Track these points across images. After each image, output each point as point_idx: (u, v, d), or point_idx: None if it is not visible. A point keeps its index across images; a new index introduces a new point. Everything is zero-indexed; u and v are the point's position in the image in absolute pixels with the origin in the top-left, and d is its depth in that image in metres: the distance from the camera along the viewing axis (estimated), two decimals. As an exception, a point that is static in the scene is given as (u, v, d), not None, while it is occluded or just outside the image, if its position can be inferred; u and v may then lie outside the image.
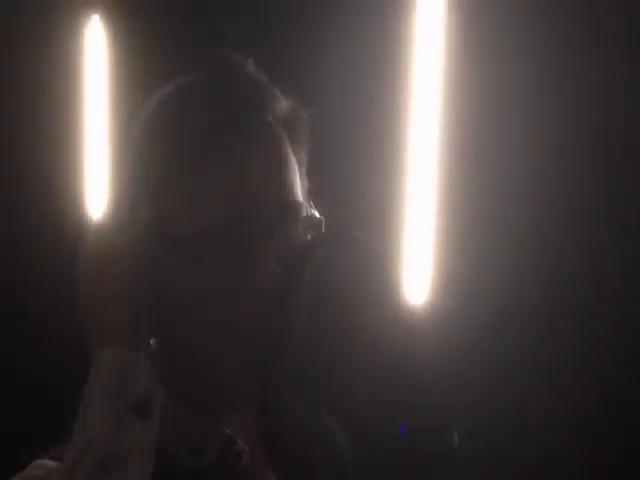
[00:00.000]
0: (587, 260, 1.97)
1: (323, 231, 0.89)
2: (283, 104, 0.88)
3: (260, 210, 0.84)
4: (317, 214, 0.91)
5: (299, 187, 0.88)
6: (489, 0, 1.96)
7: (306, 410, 0.85)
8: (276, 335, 0.82)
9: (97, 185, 2.43)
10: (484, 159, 1.98)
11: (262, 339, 0.82)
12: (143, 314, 0.84)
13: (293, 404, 0.84)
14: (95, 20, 2.35)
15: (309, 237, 0.87)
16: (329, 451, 0.84)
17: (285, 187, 0.86)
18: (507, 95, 1.94)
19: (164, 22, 2.31)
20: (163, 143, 0.86)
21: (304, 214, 0.88)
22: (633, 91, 1.94)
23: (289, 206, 0.86)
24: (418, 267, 2.08)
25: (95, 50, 2.43)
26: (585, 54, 1.92)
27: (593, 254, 1.98)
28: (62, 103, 2.48)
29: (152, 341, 0.93)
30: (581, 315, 1.99)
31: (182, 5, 2.29)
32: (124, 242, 0.84)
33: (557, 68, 1.93)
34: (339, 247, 0.86)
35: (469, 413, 0.82)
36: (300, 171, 0.90)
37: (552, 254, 1.96)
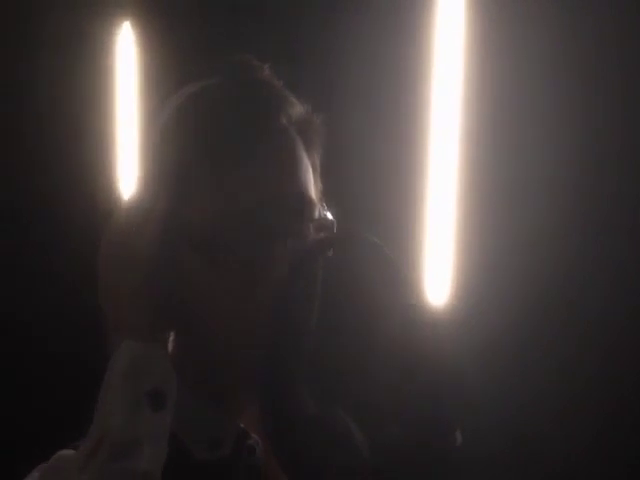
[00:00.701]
0: (606, 262, 1.97)
1: (335, 232, 0.91)
2: (298, 109, 0.92)
3: (274, 210, 0.87)
4: (330, 215, 0.94)
5: (312, 189, 0.91)
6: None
7: (321, 409, 0.87)
8: (289, 333, 0.85)
9: (124, 184, 2.49)
10: (504, 159, 1.97)
11: (275, 337, 0.84)
12: (161, 306, 0.87)
13: (303, 404, 0.87)
14: (125, 26, 2.40)
15: (321, 237, 0.90)
16: (346, 451, 0.85)
17: (299, 188, 0.89)
18: (527, 95, 1.94)
19: (192, 27, 2.35)
20: (182, 143, 0.89)
21: (317, 215, 0.91)
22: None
23: (303, 207, 0.89)
24: (438, 268, 2.09)
25: (125, 55, 2.48)
26: (607, 53, 1.91)
27: (612, 256, 1.97)
28: (93, 105, 2.52)
29: (172, 334, 0.97)
30: (601, 315, 1.99)
31: (208, 10, 2.32)
32: (144, 237, 0.87)
33: (578, 66, 1.92)
34: (350, 248, 0.89)
35: (479, 413, 0.83)
36: (314, 174, 0.93)
37: (571, 256, 1.96)
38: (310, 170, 0.92)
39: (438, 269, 2.09)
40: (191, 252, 0.88)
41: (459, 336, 0.83)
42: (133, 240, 0.87)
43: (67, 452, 0.88)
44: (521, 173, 1.98)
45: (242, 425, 0.93)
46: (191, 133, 0.89)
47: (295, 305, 0.85)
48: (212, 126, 0.87)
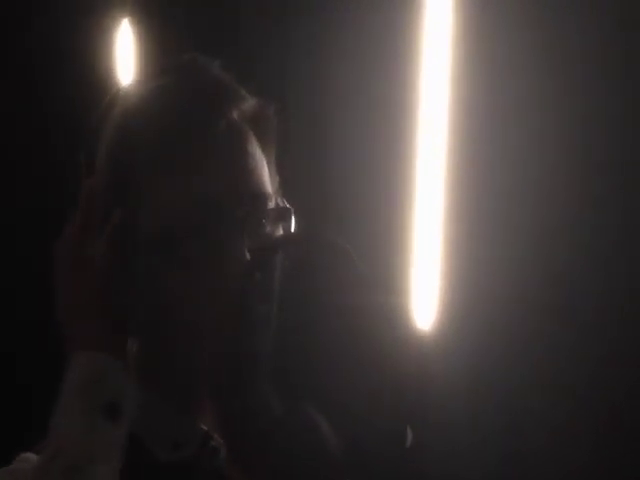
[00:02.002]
0: (599, 269, 1.97)
1: (293, 220, 0.91)
2: (249, 102, 0.91)
3: (228, 206, 0.86)
4: (287, 205, 0.94)
5: (267, 181, 0.91)
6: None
7: (288, 408, 0.87)
8: (249, 332, 0.84)
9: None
10: (493, 162, 1.97)
11: (236, 336, 0.84)
12: (115, 316, 0.86)
13: (265, 404, 0.87)
14: (124, 24, 2.40)
15: (281, 231, 0.90)
16: (314, 450, 0.85)
17: (252, 182, 0.88)
18: (516, 97, 1.93)
19: (191, 26, 2.35)
20: (131, 146, 0.88)
21: (272, 206, 0.90)
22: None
23: (257, 200, 0.88)
24: (425, 278, 2.08)
25: (124, 54, 2.48)
26: (595, 53, 1.91)
27: (606, 263, 1.97)
28: (92, 104, 2.51)
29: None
30: (594, 326, 1.99)
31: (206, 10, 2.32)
32: (97, 244, 0.86)
33: (568, 63, 1.92)
34: (314, 248, 0.88)
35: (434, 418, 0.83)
36: (269, 166, 0.93)
37: (563, 266, 1.96)
38: (264, 163, 0.92)
39: (425, 278, 2.08)
40: (146, 255, 0.87)
41: (428, 340, 0.82)
42: (86, 248, 0.87)
43: (28, 456, 0.88)
44: (511, 177, 1.97)
45: (205, 427, 0.92)
46: (140, 136, 0.88)
47: (254, 302, 0.84)
48: (161, 127, 0.87)
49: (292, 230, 0.91)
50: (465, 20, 1.96)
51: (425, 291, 2.08)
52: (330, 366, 0.83)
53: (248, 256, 0.85)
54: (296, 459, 0.86)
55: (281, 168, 0.95)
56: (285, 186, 0.97)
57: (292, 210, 0.92)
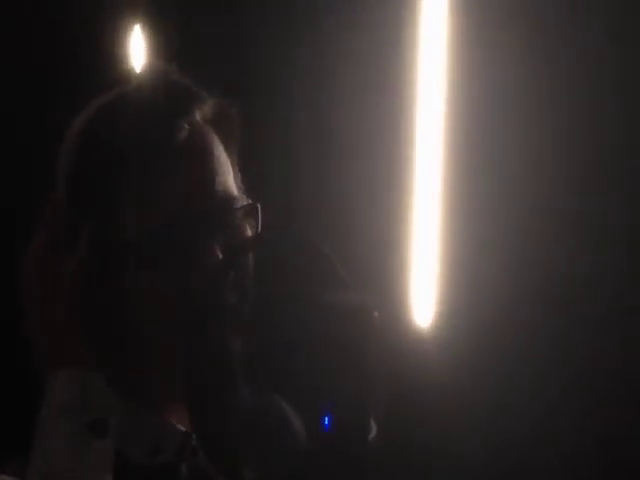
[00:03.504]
0: (599, 273, 1.96)
1: (259, 216, 0.92)
2: (209, 104, 0.92)
3: (197, 207, 0.86)
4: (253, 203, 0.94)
5: (232, 181, 0.91)
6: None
7: (257, 398, 0.89)
8: (221, 331, 0.84)
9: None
10: (490, 164, 1.97)
11: (207, 336, 0.83)
12: (91, 331, 0.85)
13: (239, 401, 0.87)
14: (137, 30, 2.42)
15: (249, 231, 0.90)
16: (283, 439, 0.88)
17: (219, 182, 0.89)
18: (514, 97, 1.93)
19: (206, 33, 2.36)
20: (96, 155, 0.88)
21: (239, 206, 0.90)
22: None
23: (225, 200, 0.89)
24: (423, 278, 2.09)
25: (138, 59, 2.50)
26: (598, 50, 1.90)
27: (605, 267, 1.96)
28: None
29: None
30: (593, 333, 1.98)
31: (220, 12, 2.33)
32: (64, 261, 0.86)
33: (564, 66, 1.91)
34: (285, 247, 0.89)
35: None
36: (232, 165, 0.93)
37: (560, 268, 1.96)
38: (228, 163, 0.92)
39: (423, 278, 2.09)
40: (116, 258, 0.87)
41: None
42: (54, 264, 0.86)
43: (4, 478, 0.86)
44: (507, 179, 1.97)
45: (184, 429, 0.92)
46: (103, 146, 0.88)
47: (226, 301, 0.85)
48: (123, 135, 0.87)
49: (259, 227, 0.92)
50: (462, 15, 1.96)
51: (423, 287, 2.08)
52: (301, 362, 0.83)
53: (220, 256, 0.85)
54: (269, 454, 0.87)
55: (249, 168, 0.96)
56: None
57: (259, 207, 0.93)
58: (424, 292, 2.09)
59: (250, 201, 0.93)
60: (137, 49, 2.47)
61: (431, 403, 2.07)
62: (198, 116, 0.90)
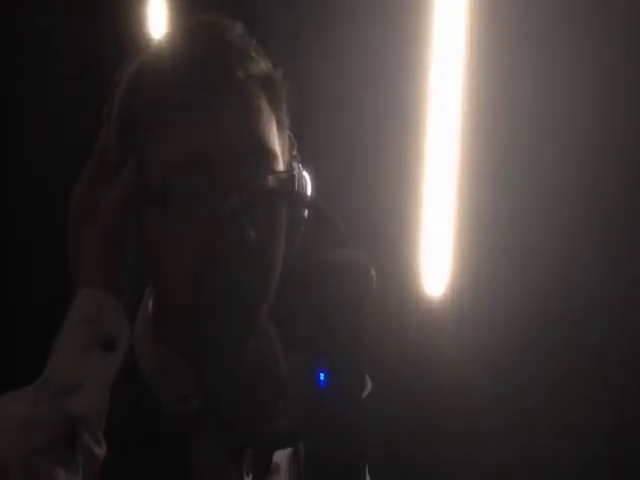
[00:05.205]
0: (602, 257, 1.96)
1: (296, 187, 0.93)
2: (259, 65, 0.93)
3: (228, 161, 0.88)
4: (304, 173, 0.96)
5: (273, 140, 0.92)
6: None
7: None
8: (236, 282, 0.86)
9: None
10: (504, 148, 1.97)
11: (207, 284, 0.85)
12: (122, 260, 0.90)
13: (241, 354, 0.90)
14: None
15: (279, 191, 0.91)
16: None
17: (253, 137, 0.90)
18: (528, 87, 1.93)
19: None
20: (137, 98, 0.92)
21: (275, 166, 0.92)
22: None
23: (259, 158, 0.90)
24: (436, 257, 2.10)
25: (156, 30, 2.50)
26: (616, 44, 1.90)
27: (612, 252, 1.96)
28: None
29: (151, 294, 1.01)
30: (609, 308, 1.99)
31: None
32: (107, 194, 0.91)
33: (583, 56, 1.90)
34: (293, 206, 0.91)
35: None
36: (280, 127, 0.95)
37: (571, 253, 1.96)
38: (273, 124, 0.93)
39: (436, 258, 2.10)
40: (146, 204, 0.91)
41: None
42: (97, 196, 0.91)
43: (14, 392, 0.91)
44: (524, 147, 1.96)
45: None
46: (146, 85, 0.91)
47: (236, 251, 0.86)
48: (167, 82, 0.90)
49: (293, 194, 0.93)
50: (479, 13, 1.97)
51: (435, 257, 2.10)
52: (297, 317, 0.85)
53: (245, 211, 0.87)
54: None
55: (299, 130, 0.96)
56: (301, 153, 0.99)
57: (295, 176, 0.94)
58: (436, 262, 2.10)
59: (301, 169, 0.95)
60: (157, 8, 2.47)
61: (442, 374, 2.09)
62: (242, 73, 0.91)
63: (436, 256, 2.10)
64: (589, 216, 1.96)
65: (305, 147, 1.02)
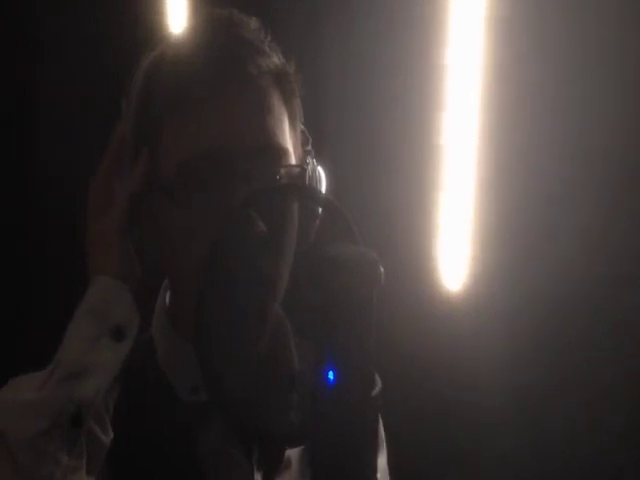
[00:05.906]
0: (624, 252, 1.94)
1: (308, 182, 0.94)
2: (273, 60, 0.94)
3: (239, 152, 0.89)
4: (317, 167, 0.96)
5: (284, 136, 0.93)
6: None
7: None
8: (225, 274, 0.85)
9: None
10: (523, 145, 1.96)
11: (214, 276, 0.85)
12: (133, 250, 0.92)
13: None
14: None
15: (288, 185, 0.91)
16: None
17: (264, 131, 0.90)
18: (545, 90, 1.92)
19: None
20: (156, 91, 0.93)
21: (285, 161, 0.92)
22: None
23: (270, 151, 0.91)
24: (453, 251, 2.10)
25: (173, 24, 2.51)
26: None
27: (635, 247, 1.95)
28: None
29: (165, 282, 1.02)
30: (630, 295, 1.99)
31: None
32: (121, 185, 0.93)
33: (605, 46, 1.88)
34: (306, 202, 0.91)
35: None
36: (292, 122, 0.95)
37: (591, 247, 1.95)
38: (285, 120, 0.94)
39: (454, 252, 2.10)
40: (158, 192, 0.92)
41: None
42: (112, 185, 0.93)
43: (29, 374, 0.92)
44: (540, 157, 1.95)
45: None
46: (162, 79, 0.92)
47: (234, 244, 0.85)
48: (178, 75, 0.91)
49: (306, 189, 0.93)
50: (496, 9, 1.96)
51: (453, 251, 2.09)
52: (306, 312, 0.86)
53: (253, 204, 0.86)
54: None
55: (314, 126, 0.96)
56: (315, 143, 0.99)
57: (306, 170, 0.94)
58: (454, 257, 2.10)
59: (316, 165, 0.95)
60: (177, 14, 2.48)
61: (459, 368, 2.09)
62: (255, 69, 0.91)
63: (454, 250, 2.10)
64: (612, 210, 1.95)
65: (321, 142, 1.02)
